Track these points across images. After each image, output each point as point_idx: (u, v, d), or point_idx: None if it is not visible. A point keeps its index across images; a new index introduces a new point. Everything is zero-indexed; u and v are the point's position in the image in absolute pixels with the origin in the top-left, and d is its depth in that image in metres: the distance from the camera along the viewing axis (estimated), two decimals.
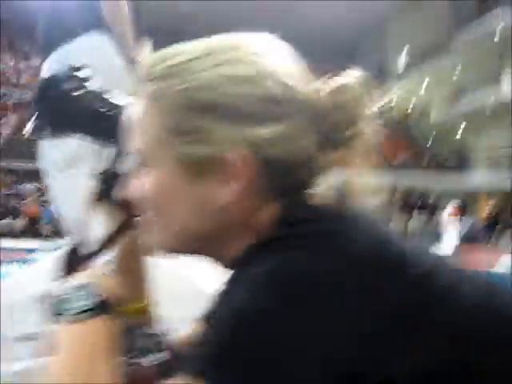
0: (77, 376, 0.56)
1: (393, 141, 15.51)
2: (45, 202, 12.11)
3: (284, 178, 0.58)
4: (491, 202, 13.56)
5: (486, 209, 13.52)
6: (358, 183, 0.61)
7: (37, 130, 0.90)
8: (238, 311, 0.49)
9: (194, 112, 0.56)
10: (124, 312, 0.68)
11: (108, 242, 0.86)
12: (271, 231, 0.56)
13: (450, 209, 10.67)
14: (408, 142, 17.25)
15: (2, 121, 14.18)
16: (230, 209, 0.58)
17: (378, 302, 0.49)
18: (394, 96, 18.96)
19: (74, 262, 0.83)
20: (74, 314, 0.60)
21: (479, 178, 16.11)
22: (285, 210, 0.58)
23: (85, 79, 0.89)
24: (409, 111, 19.66)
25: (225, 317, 0.50)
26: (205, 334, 0.53)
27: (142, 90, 0.59)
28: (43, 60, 1.98)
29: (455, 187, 16.41)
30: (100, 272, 0.68)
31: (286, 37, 0.63)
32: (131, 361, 0.69)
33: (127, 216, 0.85)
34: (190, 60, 0.57)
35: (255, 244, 0.56)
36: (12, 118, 14.20)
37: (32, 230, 12.42)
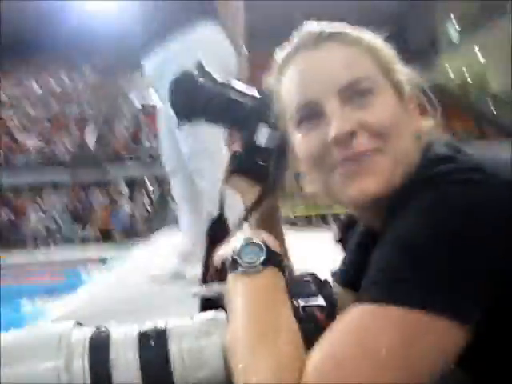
0: (262, 324, 0.62)
1: (453, 112, 15.31)
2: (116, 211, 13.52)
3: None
4: None
5: None
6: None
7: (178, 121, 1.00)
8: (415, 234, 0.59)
9: (392, 59, 0.76)
10: None
11: (247, 214, 0.94)
12: (422, 166, 0.67)
13: None
14: (468, 113, 16.92)
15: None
16: (414, 140, 0.72)
17: None
18: (448, 66, 19.19)
19: (218, 234, 0.88)
20: (253, 266, 0.67)
21: None
22: (427, 146, 0.71)
23: (210, 72, 0.97)
24: (466, 81, 19.49)
25: (401, 244, 0.60)
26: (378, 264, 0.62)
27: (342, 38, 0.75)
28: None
29: None
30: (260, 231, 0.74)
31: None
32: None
33: (264, 188, 0.93)
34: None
35: (416, 180, 0.65)
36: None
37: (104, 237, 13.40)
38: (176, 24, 2.39)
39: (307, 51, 0.76)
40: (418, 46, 19.85)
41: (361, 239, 0.96)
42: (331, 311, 0.72)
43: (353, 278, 0.93)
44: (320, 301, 0.72)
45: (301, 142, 0.74)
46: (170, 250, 2.77)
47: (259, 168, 0.93)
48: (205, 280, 0.82)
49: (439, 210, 0.60)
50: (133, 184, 15.89)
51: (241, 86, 0.97)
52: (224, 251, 0.74)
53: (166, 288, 2.44)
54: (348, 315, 0.60)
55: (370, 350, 0.56)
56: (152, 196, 15.02)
